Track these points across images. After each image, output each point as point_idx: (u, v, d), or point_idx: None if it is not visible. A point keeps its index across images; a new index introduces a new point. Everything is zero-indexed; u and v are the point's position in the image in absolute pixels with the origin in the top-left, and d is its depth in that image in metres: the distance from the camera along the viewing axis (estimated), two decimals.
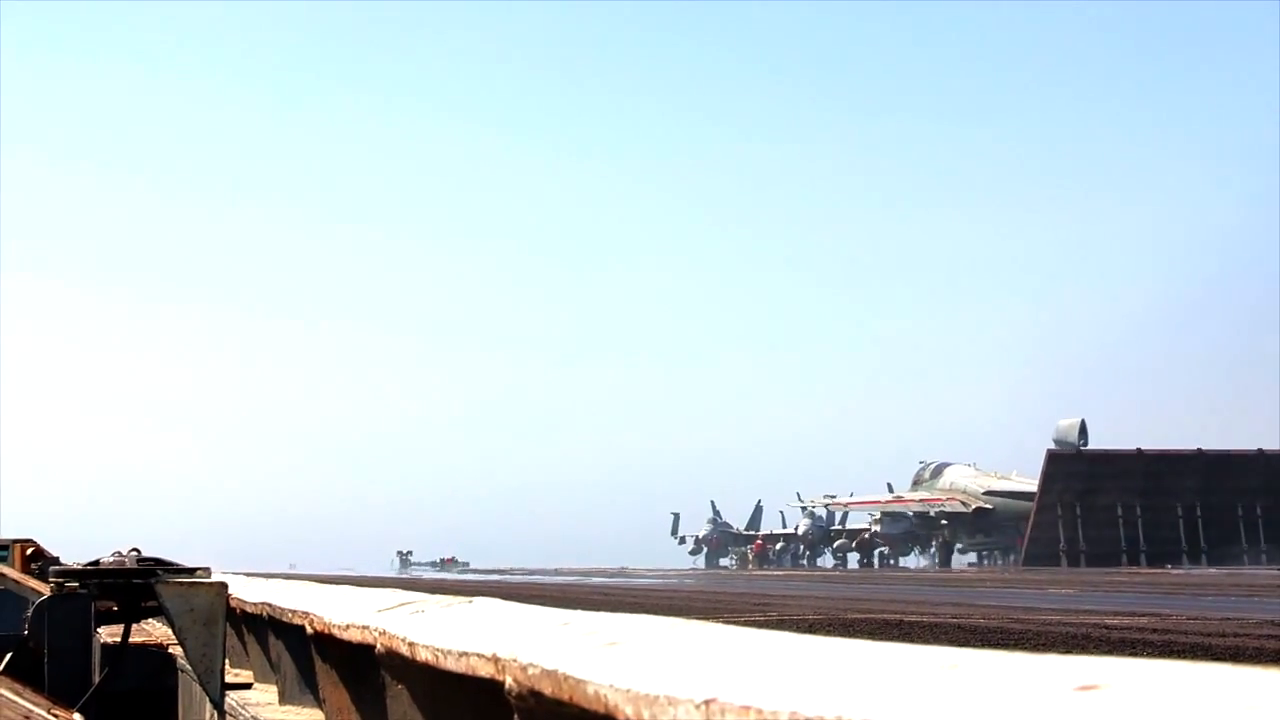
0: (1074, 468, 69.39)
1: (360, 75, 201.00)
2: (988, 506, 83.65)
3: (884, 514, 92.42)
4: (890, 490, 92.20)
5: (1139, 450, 70.27)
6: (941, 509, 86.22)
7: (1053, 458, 70.29)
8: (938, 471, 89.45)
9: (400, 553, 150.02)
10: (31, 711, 10.17)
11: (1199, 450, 70.00)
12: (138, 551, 10.96)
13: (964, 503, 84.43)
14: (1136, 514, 68.22)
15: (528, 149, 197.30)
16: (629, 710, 2.70)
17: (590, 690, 2.91)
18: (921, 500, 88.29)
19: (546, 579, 48.94)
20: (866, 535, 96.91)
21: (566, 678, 3.08)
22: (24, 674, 12.19)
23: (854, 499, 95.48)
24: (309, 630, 7.18)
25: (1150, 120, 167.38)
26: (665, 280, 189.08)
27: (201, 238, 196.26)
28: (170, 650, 14.03)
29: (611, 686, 2.80)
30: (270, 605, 9.20)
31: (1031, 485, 77.70)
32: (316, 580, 15.11)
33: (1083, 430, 74.39)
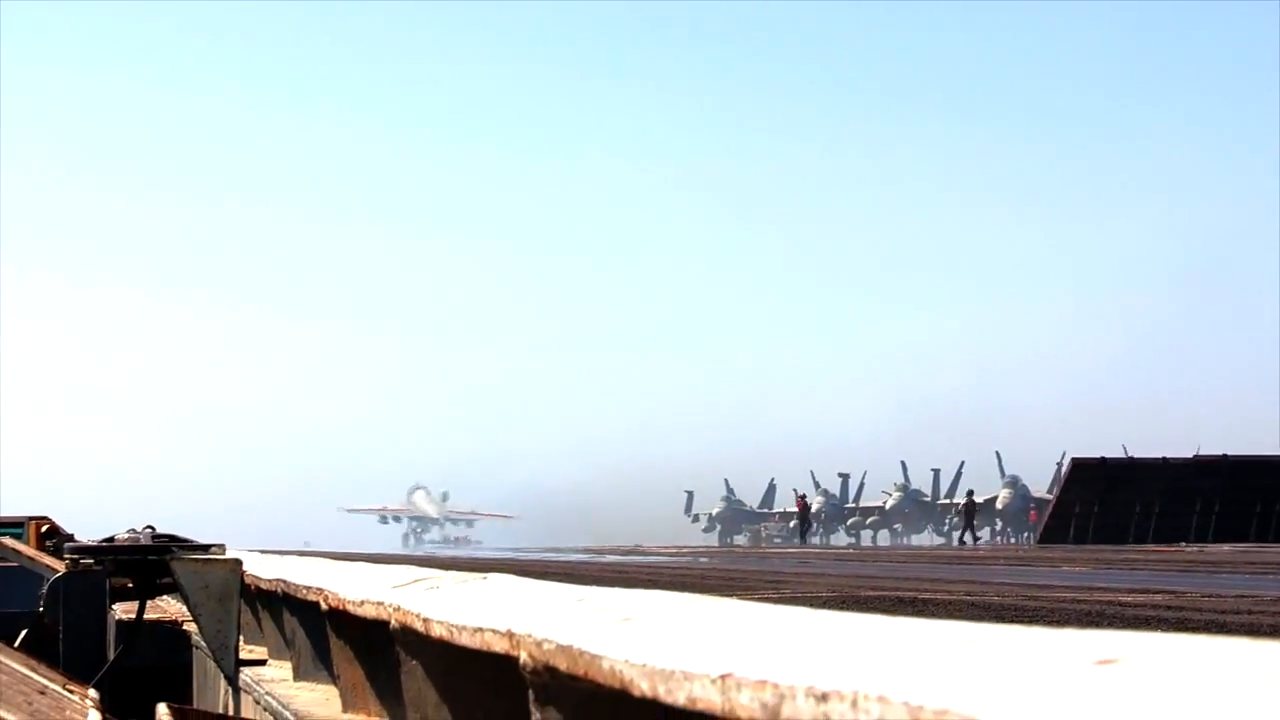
0: (1097, 474, 69.96)
1: (357, 70, 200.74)
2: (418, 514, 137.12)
3: (382, 513, 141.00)
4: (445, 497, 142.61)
5: (1164, 459, 71.12)
6: (406, 515, 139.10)
7: (1076, 465, 71.05)
8: (413, 491, 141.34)
9: (414, 531, 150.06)
10: (47, 687, 10.19)
11: (1224, 455, 70.95)
12: (152, 528, 10.98)
13: (408, 511, 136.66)
14: (1154, 510, 68.33)
15: (542, 143, 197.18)
16: (644, 685, 2.70)
17: (605, 665, 2.91)
18: (396, 509, 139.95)
19: (560, 556, 49.00)
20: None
21: (582, 653, 3.07)
22: (39, 650, 12.23)
23: (367, 506, 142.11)
24: (323, 606, 7.18)
25: (1172, 120, 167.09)
26: (682, 268, 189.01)
27: (214, 226, 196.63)
28: (185, 627, 14.06)
29: (627, 661, 2.80)
30: (285, 581, 9.21)
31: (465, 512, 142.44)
32: (331, 557, 15.14)
33: (445, 496, 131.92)
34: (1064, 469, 70.90)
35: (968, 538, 76.43)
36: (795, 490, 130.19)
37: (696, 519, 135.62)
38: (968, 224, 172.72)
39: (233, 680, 10.10)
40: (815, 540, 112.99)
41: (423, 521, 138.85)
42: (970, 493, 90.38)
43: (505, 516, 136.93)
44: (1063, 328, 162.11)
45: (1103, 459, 71.38)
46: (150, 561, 10.47)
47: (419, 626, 4.76)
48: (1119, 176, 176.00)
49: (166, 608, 15.68)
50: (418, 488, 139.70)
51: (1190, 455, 72.30)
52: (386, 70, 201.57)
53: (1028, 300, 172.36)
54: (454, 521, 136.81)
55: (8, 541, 16.84)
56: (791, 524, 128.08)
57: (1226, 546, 46.62)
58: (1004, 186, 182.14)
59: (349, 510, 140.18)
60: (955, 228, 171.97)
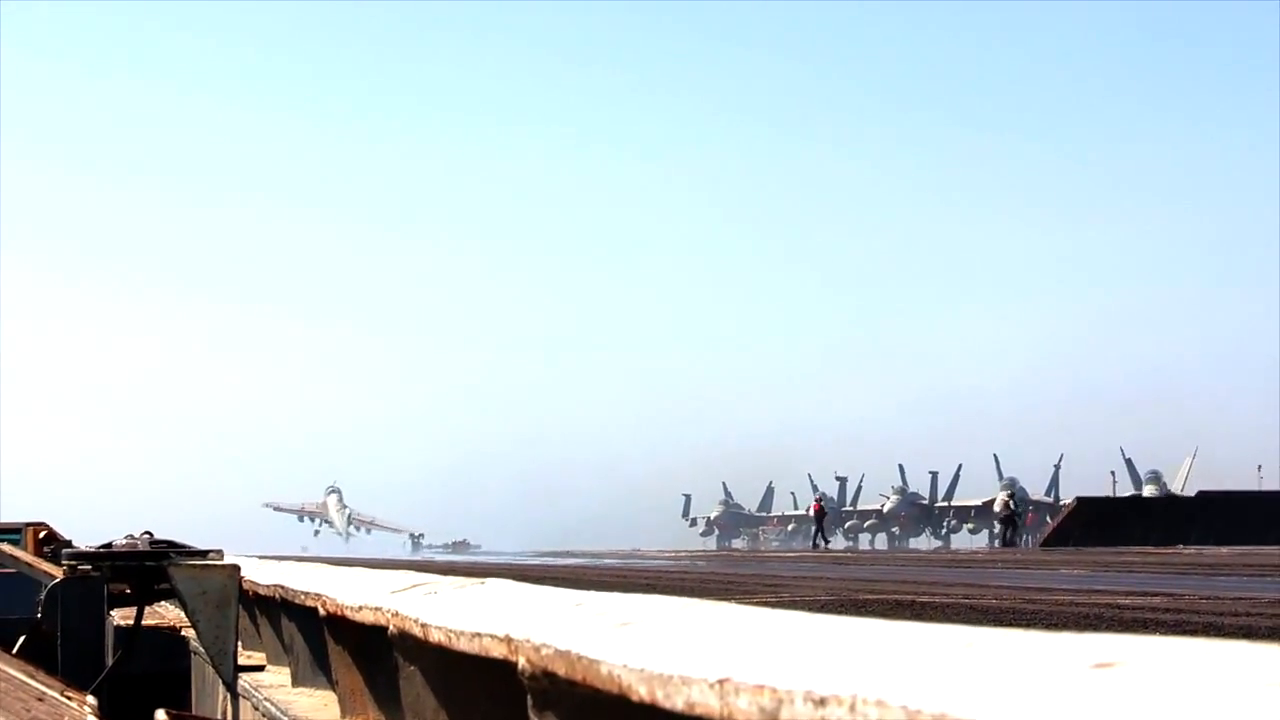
0: (1103, 509, 71.00)
1: (354, 70, 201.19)
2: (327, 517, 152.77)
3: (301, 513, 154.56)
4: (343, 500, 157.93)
5: (1170, 496, 72.60)
6: (319, 516, 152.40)
7: (1082, 501, 72.18)
8: (330, 493, 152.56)
9: (412, 535, 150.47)
10: (45, 694, 10.19)
11: (1227, 491, 72.92)
12: (150, 534, 10.97)
13: (321, 513, 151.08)
14: (1154, 533, 69.11)
15: (531, 141, 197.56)
16: (643, 690, 2.70)
17: (604, 670, 2.91)
18: (312, 510, 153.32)
19: (558, 561, 48.96)
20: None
21: (580, 658, 3.07)
22: (38, 656, 12.23)
23: (289, 504, 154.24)
24: (322, 612, 7.19)
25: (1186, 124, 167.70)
26: (680, 269, 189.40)
27: (209, 231, 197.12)
28: (183, 633, 14.06)
29: (625, 666, 2.80)
30: (283, 587, 9.21)
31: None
32: (329, 562, 15.12)
33: (350, 518, 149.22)
34: (1068, 506, 72.00)
35: (1009, 539, 77.89)
36: (793, 494, 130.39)
37: (694, 523, 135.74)
38: (967, 226, 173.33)
39: (231, 686, 10.09)
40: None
41: (328, 522, 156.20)
42: (1012, 495, 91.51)
43: (398, 530, 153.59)
44: (1063, 330, 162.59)
45: (1108, 498, 73.35)
46: (148, 567, 10.46)
47: (417, 632, 4.76)
48: (1124, 181, 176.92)
49: (165, 614, 15.66)
50: (333, 490, 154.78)
51: (1194, 492, 74.65)
52: (370, 68, 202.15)
53: (1026, 303, 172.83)
54: (355, 528, 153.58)
55: (6, 548, 16.83)
56: (790, 527, 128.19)
57: (1224, 549, 46.57)
58: (1003, 189, 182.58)
59: (275, 508, 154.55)
60: (955, 230, 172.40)
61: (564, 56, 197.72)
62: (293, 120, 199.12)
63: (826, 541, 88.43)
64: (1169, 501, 72.98)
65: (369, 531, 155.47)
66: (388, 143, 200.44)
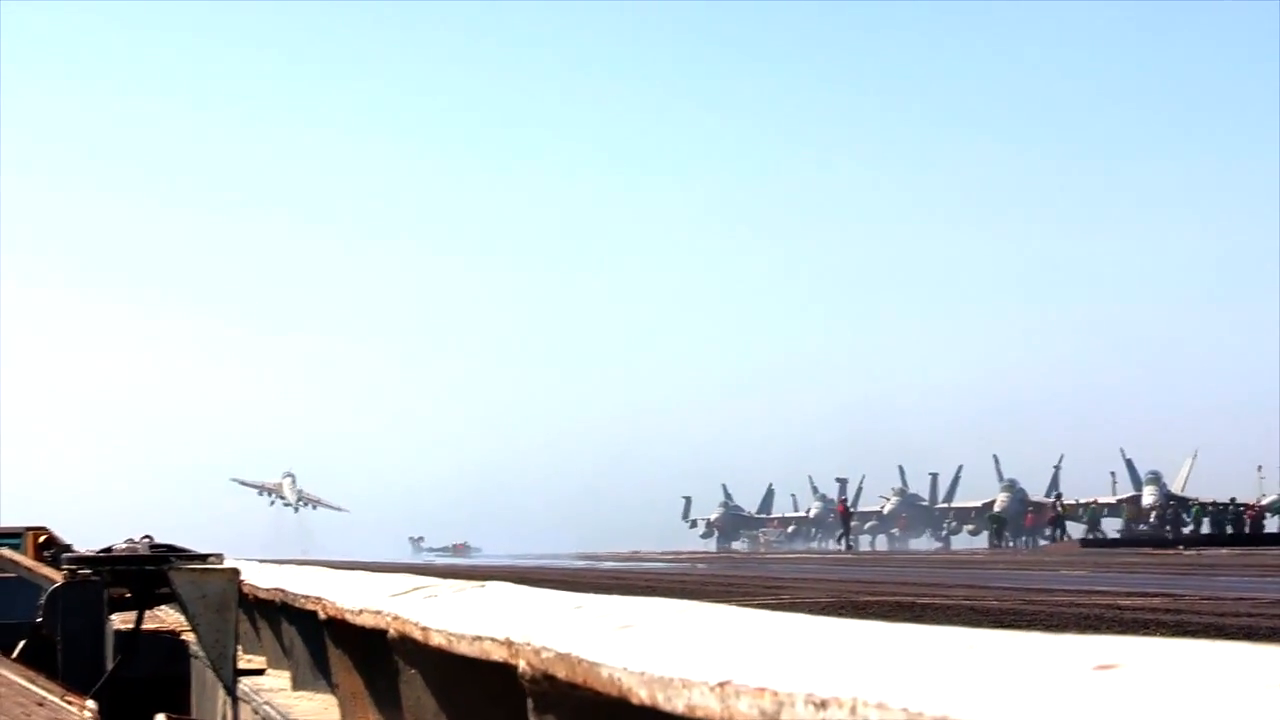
0: (1103, 545, 73.44)
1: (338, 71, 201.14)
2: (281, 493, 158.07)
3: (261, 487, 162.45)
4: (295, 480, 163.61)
5: (1175, 538, 75.50)
6: (275, 493, 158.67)
7: (1085, 543, 74.73)
8: (286, 475, 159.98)
9: (412, 538, 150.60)
10: (45, 699, 10.19)
11: (1229, 534, 75.77)
12: (150, 538, 10.97)
13: (277, 490, 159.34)
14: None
15: (533, 144, 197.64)
16: (643, 693, 2.70)
17: (604, 673, 2.91)
18: (271, 486, 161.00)
19: (558, 563, 48.98)
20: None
21: (580, 661, 3.07)
22: (37, 661, 12.22)
23: (254, 480, 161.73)
24: (321, 615, 7.18)
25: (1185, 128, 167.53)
26: (680, 267, 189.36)
27: (208, 235, 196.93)
28: (183, 637, 14.06)
29: (625, 669, 2.80)
30: (283, 591, 9.21)
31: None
32: (328, 566, 15.11)
33: (299, 494, 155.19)
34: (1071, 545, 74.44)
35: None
36: (794, 496, 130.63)
37: (694, 524, 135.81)
38: (961, 229, 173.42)
39: (231, 690, 10.09)
40: (814, 544, 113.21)
41: (282, 498, 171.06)
42: (1059, 495, 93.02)
43: (340, 509, 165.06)
44: (1063, 331, 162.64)
45: (1115, 539, 76.89)
46: (148, 571, 10.46)
47: (417, 635, 4.76)
48: (1123, 182, 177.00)
49: (165, 618, 15.67)
50: (289, 474, 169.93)
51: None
52: (368, 72, 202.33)
53: (1025, 306, 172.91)
54: (303, 503, 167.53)
55: (5, 552, 16.82)
56: (790, 529, 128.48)
57: (1224, 550, 46.61)
58: (1006, 191, 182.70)
59: (240, 482, 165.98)
60: (948, 233, 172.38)
61: (566, 62, 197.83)
62: (291, 124, 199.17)
63: (849, 544, 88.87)
64: (1166, 540, 75.79)
65: (315, 508, 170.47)
66: (394, 148, 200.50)
